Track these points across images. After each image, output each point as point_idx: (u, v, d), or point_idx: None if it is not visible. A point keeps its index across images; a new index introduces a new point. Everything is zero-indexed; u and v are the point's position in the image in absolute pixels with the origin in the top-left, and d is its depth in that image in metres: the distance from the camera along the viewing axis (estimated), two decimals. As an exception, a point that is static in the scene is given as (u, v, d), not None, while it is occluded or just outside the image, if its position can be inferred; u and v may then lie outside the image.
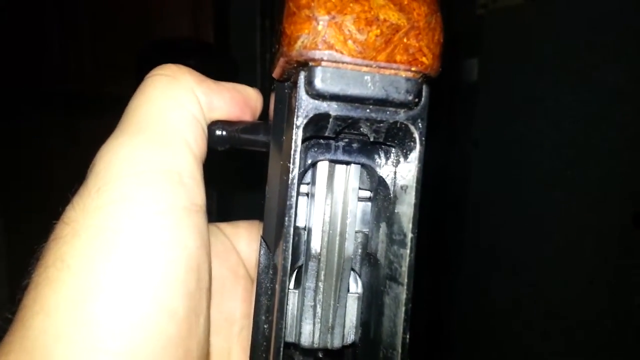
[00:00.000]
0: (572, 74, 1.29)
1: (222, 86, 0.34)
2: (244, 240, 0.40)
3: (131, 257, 0.26)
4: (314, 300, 0.33)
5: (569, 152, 1.31)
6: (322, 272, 0.33)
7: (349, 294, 0.34)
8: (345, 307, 0.34)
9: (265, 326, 0.32)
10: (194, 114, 0.32)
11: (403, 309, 0.30)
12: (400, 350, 0.30)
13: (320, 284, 0.33)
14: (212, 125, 0.33)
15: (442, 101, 1.58)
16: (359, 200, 0.34)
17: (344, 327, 0.34)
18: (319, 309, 0.33)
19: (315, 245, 0.33)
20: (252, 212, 0.41)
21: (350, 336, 0.34)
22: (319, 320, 0.33)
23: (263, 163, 0.36)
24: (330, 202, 0.33)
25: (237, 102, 0.34)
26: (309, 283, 0.33)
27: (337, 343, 0.34)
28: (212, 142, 0.33)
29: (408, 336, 0.30)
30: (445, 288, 1.64)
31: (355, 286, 0.35)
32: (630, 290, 1.21)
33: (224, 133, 0.33)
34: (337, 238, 0.33)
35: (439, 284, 1.62)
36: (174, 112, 0.31)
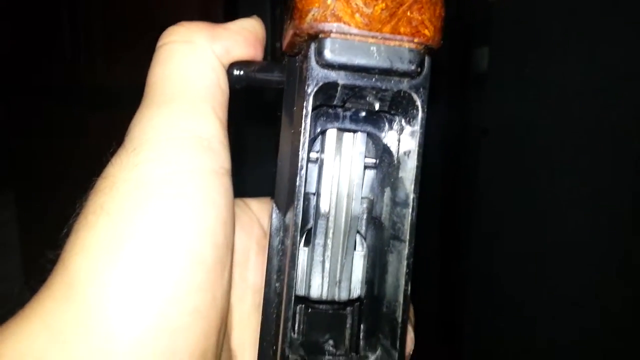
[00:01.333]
0: (582, 60, 1.29)
1: (232, 31, 0.35)
2: (267, 212, 0.43)
3: (165, 208, 0.29)
4: (323, 256, 0.36)
5: (579, 139, 1.31)
6: (331, 230, 0.36)
7: (355, 252, 0.37)
8: (352, 263, 0.37)
9: (276, 284, 0.35)
10: (216, 78, 0.34)
11: (405, 262, 0.32)
12: (402, 301, 0.33)
13: (329, 241, 0.36)
14: (230, 67, 0.35)
15: (453, 90, 1.59)
16: (365, 168, 0.37)
17: (350, 281, 0.36)
18: (327, 264, 0.36)
19: (324, 206, 0.36)
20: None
21: (357, 291, 0.37)
22: (327, 274, 0.36)
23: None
24: (339, 166, 0.36)
25: (250, 42, 0.36)
26: (318, 240, 0.36)
27: (344, 296, 0.36)
28: (231, 82, 0.35)
29: (409, 288, 0.32)
30: (455, 274, 1.66)
31: (361, 247, 0.38)
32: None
33: (242, 73, 0.35)
34: (345, 199, 0.36)
35: (449, 270, 1.64)
36: (198, 81, 0.33)
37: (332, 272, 0.36)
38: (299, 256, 0.35)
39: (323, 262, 0.36)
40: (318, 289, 0.36)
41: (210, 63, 0.34)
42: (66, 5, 1.72)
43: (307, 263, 0.36)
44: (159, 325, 0.27)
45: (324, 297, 0.36)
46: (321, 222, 0.36)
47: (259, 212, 0.42)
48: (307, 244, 0.36)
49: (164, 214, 0.29)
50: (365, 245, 0.38)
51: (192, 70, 0.33)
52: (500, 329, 1.52)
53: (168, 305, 0.28)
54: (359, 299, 0.37)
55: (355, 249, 0.37)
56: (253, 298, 0.40)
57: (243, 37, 0.36)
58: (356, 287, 0.37)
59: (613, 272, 1.28)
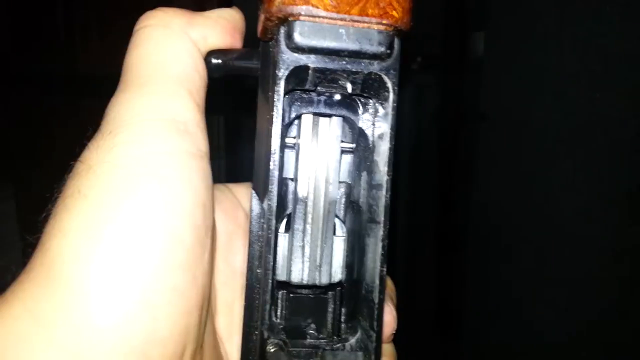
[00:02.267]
0: (579, 44, 1.29)
1: (210, 19, 0.36)
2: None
3: (141, 189, 0.29)
4: (303, 241, 0.36)
5: (576, 121, 1.31)
6: (310, 215, 0.36)
7: (335, 237, 0.37)
8: (332, 248, 0.37)
9: (258, 270, 0.35)
10: (193, 62, 0.34)
11: (380, 244, 0.33)
12: (378, 283, 0.33)
13: (308, 226, 0.36)
14: (208, 55, 0.35)
15: (450, 74, 1.58)
16: (342, 152, 0.37)
17: (330, 266, 0.37)
18: (307, 249, 0.36)
19: (302, 191, 0.36)
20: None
21: (337, 275, 0.37)
22: (307, 259, 0.36)
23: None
24: (316, 151, 0.36)
25: (227, 30, 0.36)
26: (297, 225, 0.36)
27: (324, 280, 0.36)
28: (209, 70, 0.35)
29: (385, 269, 0.33)
30: (454, 264, 1.66)
31: (341, 231, 0.38)
32: (638, 259, 1.22)
33: (220, 61, 0.35)
34: (323, 183, 0.36)
35: (448, 260, 1.64)
36: (174, 64, 0.33)
37: (312, 256, 0.36)
38: (279, 242, 0.35)
39: (303, 247, 0.36)
40: (299, 273, 0.36)
41: (186, 47, 0.34)
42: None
43: (288, 248, 0.36)
44: (139, 304, 0.28)
45: (305, 281, 0.36)
46: (300, 207, 0.36)
47: (242, 197, 0.43)
48: (287, 229, 0.37)
49: (141, 195, 0.29)
50: (344, 229, 0.38)
51: (168, 53, 0.33)
52: (498, 323, 1.52)
53: (148, 285, 0.28)
54: (339, 282, 0.38)
55: (335, 233, 0.37)
56: (237, 282, 0.40)
57: (221, 26, 0.36)
58: (337, 271, 0.37)
59: (610, 259, 1.28)
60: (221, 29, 0.36)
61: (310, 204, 0.36)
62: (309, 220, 0.36)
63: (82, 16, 1.67)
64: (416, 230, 1.61)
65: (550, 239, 1.39)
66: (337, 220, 0.38)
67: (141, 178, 0.29)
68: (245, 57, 0.37)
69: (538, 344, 1.42)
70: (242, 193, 0.43)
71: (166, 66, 0.33)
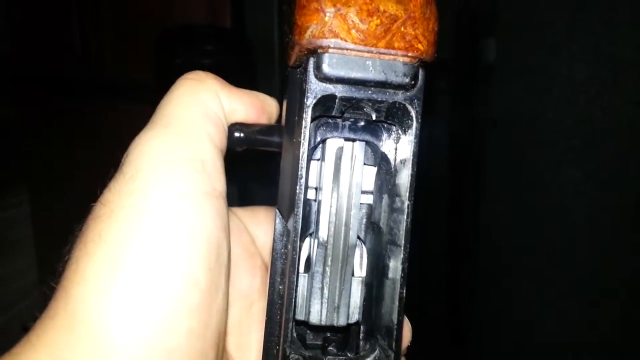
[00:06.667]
0: (588, 51, 1.29)
1: (242, 92, 0.38)
2: (257, 222, 0.44)
3: (159, 233, 0.30)
4: (322, 282, 0.37)
5: (586, 130, 1.32)
6: (329, 258, 0.37)
7: (353, 278, 0.38)
8: (350, 289, 0.38)
9: (280, 287, 0.36)
10: (216, 112, 0.36)
11: (400, 267, 0.34)
12: (397, 304, 0.34)
13: (327, 269, 0.37)
14: (232, 127, 0.37)
15: (461, 82, 1.59)
16: (364, 173, 0.38)
17: (348, 307, 0.38)
18: (326, 291, 0.37)
19: (323, 234, 0.37)
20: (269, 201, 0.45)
21: (355, 316, 0.38)
22: (326, 300, 0.37)
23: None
24: (339, 175, 0.37)
25: (255, 106, 0.38)
26: (317, 268, 0.37)
27: (342, 321, 0.37)
28: (231, 142, 0.37)
29: (405, 291, 0.34)
30: (463, 274, 1.66)
31: (360, 270, 0.39)
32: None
33: (242, 135, 0.37)
34: (343, 228, 0.37)
35: (457, 270, 1.64)
36: (199, 109, 0.35)
37: (331, 298, 0.37)
38: (299, 282, 0.36)
39: (322, 288, 0.37)
40: (317, 314, 0.37)
41: (213, 101, 0.36)
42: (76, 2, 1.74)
43: (307, 289, 0.37)
44: (159, 347, 0.29)
45: (323, 322, 0.37)
46: (319, 251, 0.37)
47: (246, 219, 0.44)
48: (307, 269, 0.38)
49: (158, 240, 0.30)
50: (364, 268, 0.39)
51: (195, 101, 0.35)
52: (508, 330, 1.53)
53: (164, 328, 0.29)
54: (357, 323, 0.38)
55: (353, 273, 0.38)
56: (243, 302, 0.41)
57: (250, 101, 0.38)
58: (354, 312, 0.38)
59: (620, 261, 1.28)
60: (250, 104, 0.38)
61: (330, 247, 0.37)
62: (329, 263, 0.37)
63: (96, 24, 1.69)
64: (426, 237, 1.62)
65: (559, 245, 1.39)
66: (355, 263, 0.39)
67: (159, 223, 0.30)
68: (267, 132, 0.38)
69: (548, 351, 1.42)
70: (247, 217, 0.44)
71: (191, 110, 0.35)
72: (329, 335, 0.41)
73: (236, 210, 0.44)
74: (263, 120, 0.39)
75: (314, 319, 0.37)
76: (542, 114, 1.43)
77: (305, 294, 0.37)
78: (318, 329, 0.40)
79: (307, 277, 0.37)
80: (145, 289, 0.29)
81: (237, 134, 0.37)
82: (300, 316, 0.37)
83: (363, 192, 0.38)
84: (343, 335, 0.40)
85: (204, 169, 0.33)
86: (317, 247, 0.37)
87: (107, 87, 1.67)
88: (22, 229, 1.61)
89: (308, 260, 0.38)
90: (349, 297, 0.38)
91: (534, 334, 1.45)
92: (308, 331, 0.41)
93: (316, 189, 0.38)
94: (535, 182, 1.45)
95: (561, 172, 1.39)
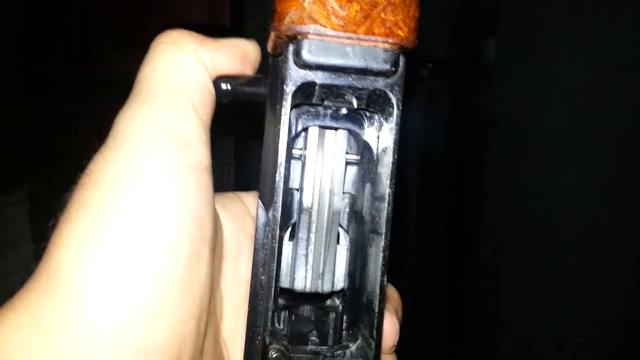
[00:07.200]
0: (589, 51, 1.29)
1: (222, 44, 0.37)
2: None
3: (141, 202, 0.30)
4: (306, 249, 0.37)
5: (586, 130, 1.31)
6: (314, 225, 0.37)
7: (338, 246, 0.38)
8: (335, 256, 0.38)
9: (262, 277, 0.36)
10: (199, 78, 0.35)
11: (381, 255, 0.34)
12: (378, 292, 0.34)
13: (312, 235, 0.37)
14: (217, 80, 0.37)
15: (461, 82, 1.59)
16: (347, 164, 0.38)
17: (333, 274, 0.38)
18: (310, 257, 0.37)
19: (307, 201, 0.37)
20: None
21: (340, 283, 0.38)
22: (310, 267, 0.37)
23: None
24: (321, 162, 0.37)
25: (238, 57, 0.38)
26: (302, 234, 0.37)
27: (327, 288, 0.37)
28: (218, 95, 0.36)
29: (385, 279, 0.34)
30: (463, 271, 1.66)
31: (345, 240, 0.39)
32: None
33: (229, 87, 0.37)
34: (327, 194, 0.37)
35: (457, 267, 1.64)
36: (181, 79, 0.34)
37: (315, 265, 0.37)
38: (284, 250, 0.37)
39: (306, 255, 0.37)
40: (302, 281, 0.37)
41: (195, 65, 0.35)
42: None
43: (292, 256, 0.37)
44: (135, 314, 0.29)
45: (308, 289, 0.37)
46: (304, 217, 0.37)
47: (251, 205, 0.44)
48: (292, 238, 0.38)
49: (140, 208, 0.30)
50: (348, 238, 0.39)
51: (177, 69, 0.35)
52: (508, 328, 1.52)
53: (143, 295, 0.29)
54: (342, 290, 0.38)
55: (338, 242, 0.38)
56: (244, 288, 0.41)
57: (232, 52, 0.37)
58: (339, 279, 0.38)
59: (622, 261, 1.27)
60: (232, 55, 0.37)
61: (314, 213, 0.37)
62: (313, 229, 0.37)
63: (97, 23, 1.70)
64: (427, 234, 1.62)
65: (559, 245, 1.39)
66: (340, 230, 0.39)
67: (141, 191, 0.30)
68: (253, 84, 0.38)
69: (548, 349, 1.42)
70: (251, 201, 0.44)
71: (173, 81, 0.34)
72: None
73: (240, 194, 0.44)
74: (248, 68, 0.38)
75: (299, 285, 0.37)
76: (542, 114, 1.43)
77: (290, 261, 0.37)
78: (303, 298, 0.40)
79: (291, 245, 0.37)
80: (126, 257, 0.29)
81: (223, 86, 0.37)
82: (285, 284, 0.37)
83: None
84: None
85: (187, 143, 0.33)
86: (302, 213, 0.37)
87: (107, 87, 1.67)
88: (20, 226, 1.62)
89: (293, 228, 0.38)
90: (334, 264, 0.38)
91: (533, 332, 1.45)
92: (293, 304, 0.40)
93: (299, 178, 0.38)
94: (535, 181, 1.44)
95: (561, 171, 1.39)
